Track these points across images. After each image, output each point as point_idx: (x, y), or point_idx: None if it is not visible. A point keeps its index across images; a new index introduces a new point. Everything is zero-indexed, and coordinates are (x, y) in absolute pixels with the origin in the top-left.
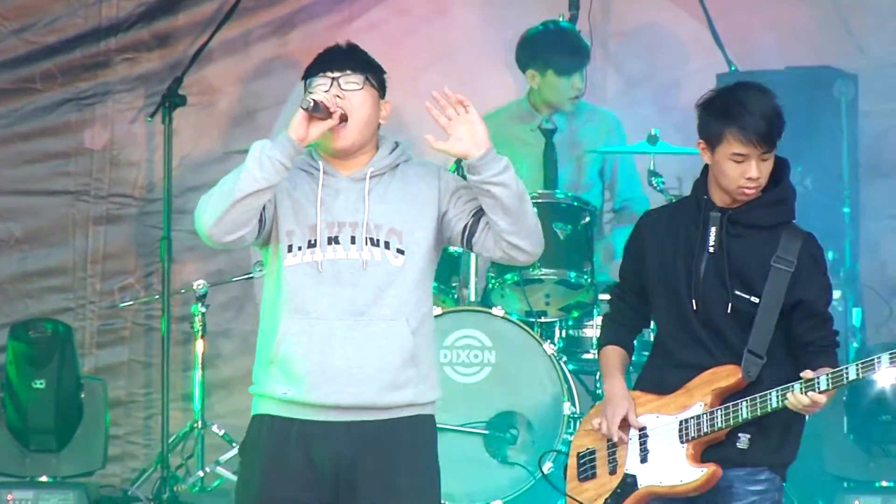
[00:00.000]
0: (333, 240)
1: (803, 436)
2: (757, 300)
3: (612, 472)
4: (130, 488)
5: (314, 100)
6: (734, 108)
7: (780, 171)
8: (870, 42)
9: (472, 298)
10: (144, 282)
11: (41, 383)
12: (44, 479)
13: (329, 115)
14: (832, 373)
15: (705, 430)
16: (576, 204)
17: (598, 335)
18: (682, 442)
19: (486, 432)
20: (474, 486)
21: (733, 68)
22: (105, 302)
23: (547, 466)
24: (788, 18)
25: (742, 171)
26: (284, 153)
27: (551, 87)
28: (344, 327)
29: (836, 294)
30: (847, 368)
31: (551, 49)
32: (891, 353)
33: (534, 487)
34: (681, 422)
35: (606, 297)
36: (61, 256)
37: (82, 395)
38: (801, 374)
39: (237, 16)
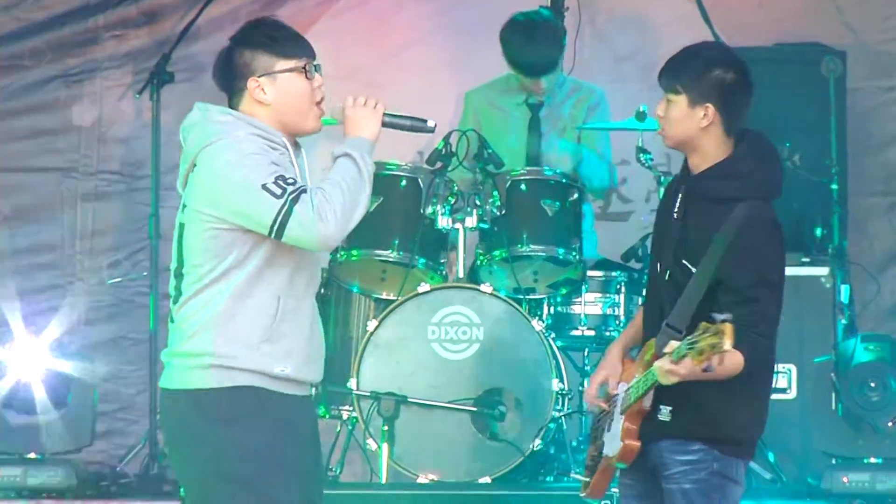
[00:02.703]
0: None
1: (790, 411)
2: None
3: (599, 438)
4: (118, 465)
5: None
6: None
7: (740, 144)
8: (858, 19)
9: (460, 275)
10: (133, 258)
11: None
12: (31, 455)
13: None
14: (676, 346)
15: (628, 402)
16: (564, 181)
17: (585, 312)
18: (620, 413)
19: (475, 409)
20: (462, 463)
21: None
22: (93, 279)
23: (535, 443)
24: None
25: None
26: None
27: (519, 79)
28: (313, 306)
29: (824, 271)
30: (681, 345)
31: (516, 51)
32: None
33: (522, 464)
34: (623, 393)
35: (595, 273)
36: (49, 233)
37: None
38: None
39: None
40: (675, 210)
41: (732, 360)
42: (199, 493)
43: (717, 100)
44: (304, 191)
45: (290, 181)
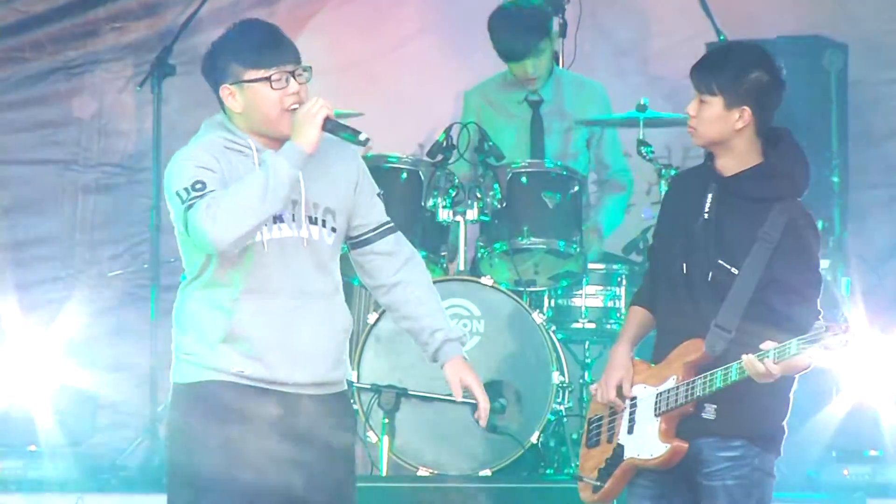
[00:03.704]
0: (278, 218)
1: (795, 404)
2: (737, 272)
3: (609, 440)
4: (119, 457)
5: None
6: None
7: (775, 142)
8: (860, 11)
9: (461, 268)
10: (133, 251)
11: None
12: (32, 448)
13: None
14: (779, 346)
15: (672, 404)
16: (564, 173)
17: (586, 304)
18: (655, 415)
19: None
20: (463, 455)
21: (722, 37)
22: (94, 271)
23: (534, 436)
24: None
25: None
26: (301, 168)
27: (509, 69)
28: (296, 306)
29: (825, 263)
30: (789, 344)
31: (498, 36)
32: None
33: (522, 457)
34: (657, 395)
35: (596, 266)
36: (50, 225)
37: None
38: (761, 346)
39: None
40: (707, 211)
41: (805, 360)
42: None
43: (753, 103)
44: (207, 196)
45: (199, 186)
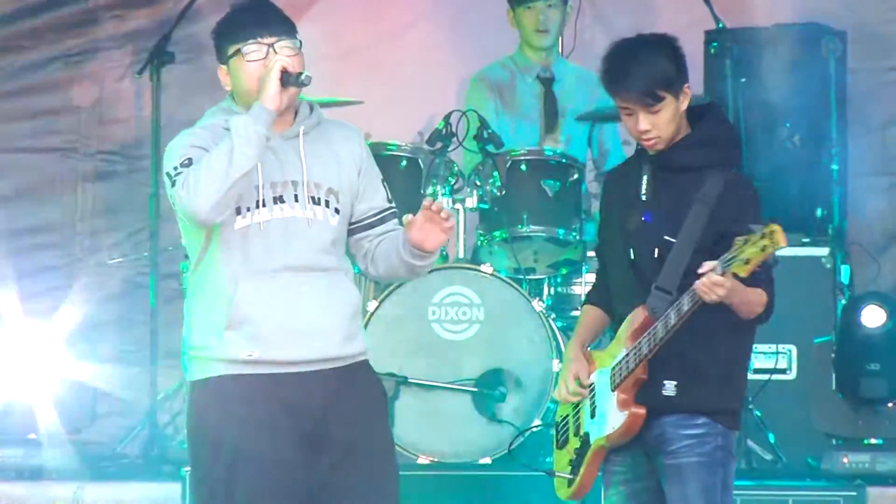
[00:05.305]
0: (279, 199)
1: (791, 392)
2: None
3: (576, 433)
4: (119, 445)
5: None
6: (612, 69)
7: (705, 114)
8: None
9: (461, 256)
10: (133, 239)
11: None
12: (31, 436)
13: (302, 84)
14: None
15: (624, 373)
16: (564, 161)
17: (585, 292)
18: (612, 390)
19: (475, 390)
20: (462, 443)
21: (721, 25)
22: (94, 259)
23: (534, 424)
24: None
25: (633, 124)
26: (268, 126)
27: (519, 23)
28: (298, 284)
29: (825, 251)
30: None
31: None
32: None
33: (522, 445)
34: (611, 370)
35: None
36: (50, 213)
37: None
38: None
39: None
40: (644, 192)
41: (758, 297)
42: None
43: (685, 75)
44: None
45: (186, 163)
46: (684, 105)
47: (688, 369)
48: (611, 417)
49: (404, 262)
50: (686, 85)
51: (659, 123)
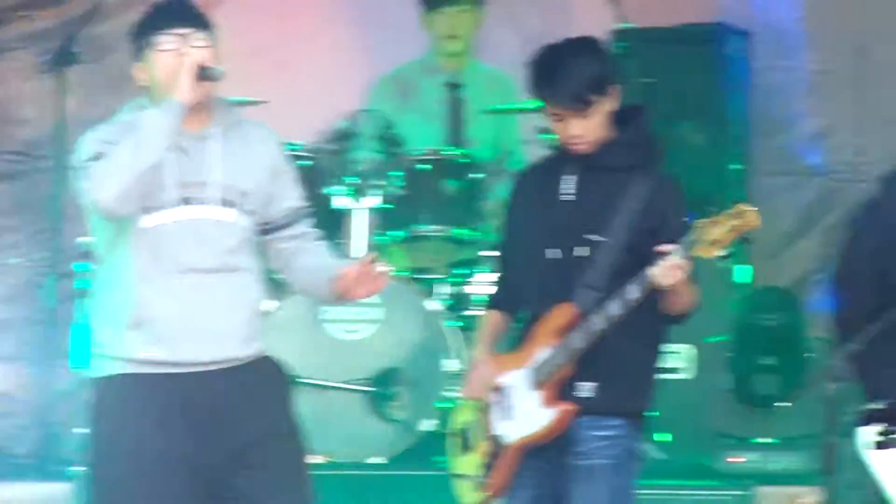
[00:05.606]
0: (189, 199)
1: (687, 392)
2: (604, 239)
3: (484, 437)
4: (10, 445)
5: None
6: (540, 75)
7: (631, 116)
8: None
9: (361, 255)
10: (34, 239)
11: None
12: None
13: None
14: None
15: (553, 370)
16: (463, 160)
17: (483, 292)
18: (536, 389)
19: (367, 390)
20: (355, 443)
21: (625, 25)
22: None
23: (428, 424)
24: None
25: (562, 129)
26: (178, 119)
27: (430, 27)
28: (203, 285)
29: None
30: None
31: None
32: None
33: (417, 445)
34: (533, 370)
35: (493, 253)
36: None
37: None
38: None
39: None
40: (567, 192)
41: (693, 293)
42: None
43: (614, 75)
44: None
45: (95, 157)
46: (614, 105)
47: (611, 370)
48: (535, 416)
49: (323, 295)
50: (614, 85)
51: (590, 127)
